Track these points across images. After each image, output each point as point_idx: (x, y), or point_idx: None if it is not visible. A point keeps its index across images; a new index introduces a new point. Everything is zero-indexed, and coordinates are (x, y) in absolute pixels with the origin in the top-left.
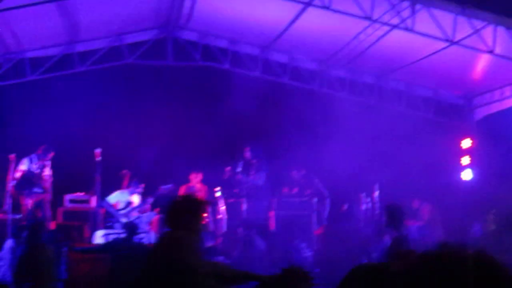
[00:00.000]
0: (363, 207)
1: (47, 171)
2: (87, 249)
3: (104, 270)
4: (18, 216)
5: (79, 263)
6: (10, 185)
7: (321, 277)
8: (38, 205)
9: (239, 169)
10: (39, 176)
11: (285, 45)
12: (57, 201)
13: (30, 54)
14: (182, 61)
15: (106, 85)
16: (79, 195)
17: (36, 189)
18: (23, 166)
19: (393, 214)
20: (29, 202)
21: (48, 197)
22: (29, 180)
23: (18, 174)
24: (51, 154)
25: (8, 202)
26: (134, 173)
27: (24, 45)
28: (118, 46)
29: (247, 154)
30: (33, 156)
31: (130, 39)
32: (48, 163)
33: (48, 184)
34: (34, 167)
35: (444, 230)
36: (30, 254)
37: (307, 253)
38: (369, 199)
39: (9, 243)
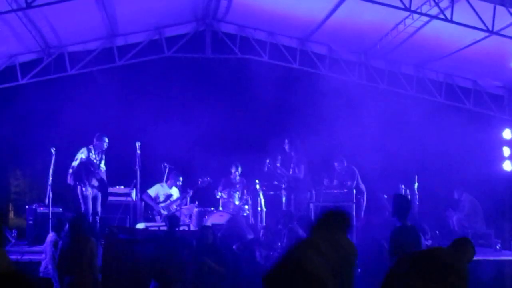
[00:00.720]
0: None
1: (103, 164)
2: (130, 239)
3: (145, 261)
4: (59, 209)
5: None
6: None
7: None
8: (94, 199)
9: (278, 162)
10: (98, 166)
11: (324, 37)
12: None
13: (70, 49)
14: (221, 53)
15: (145, 79)
16: (120, 188)
17: (94, 181)
18: (82, 154)
19: (400, 204)
20: (88, 196)
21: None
22: (88, 170)
23: (75, 163)
24: (105, 144)
25: (49, 195)
26: (174, 166)
27: (63, 40)
28: (157, 39)
29: (286, 146)
30: (91, 146)
31: (169, 32)
32: (103, 154)
33: (99, 176)
34: (93, 157)
35: (484, 221)
36: (73, 247)
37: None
38: (408, 190)
39: (50, 237)
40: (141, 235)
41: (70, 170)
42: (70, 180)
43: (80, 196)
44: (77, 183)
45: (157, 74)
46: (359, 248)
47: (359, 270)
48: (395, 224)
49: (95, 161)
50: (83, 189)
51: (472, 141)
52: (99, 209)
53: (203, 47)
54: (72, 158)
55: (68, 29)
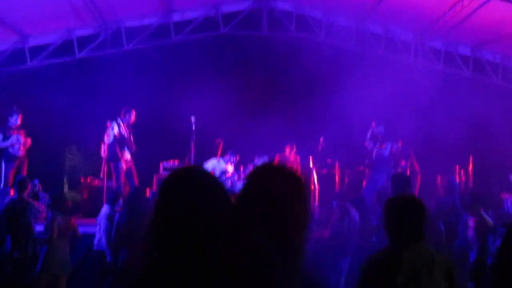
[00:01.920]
0: (457, 179)
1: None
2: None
3: None
4: (113, 183)
5: None
6: (104, 151)
7: None
8: (128, 173)
9: (368, 137)
10: (129, 139)
11: (380, 16)
12: (153, 168)
13: (127, 24)
14: (276, 32)
15: (200, 55)
16: (174, 162)
17: (127, 154)
18: (114, 130)
19: (401, 181)
20: (123, 168)
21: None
22: (121, 143)
23: (108, 139)
24: (133, 118)
25: (104, 169)
26: (229, 142)
27: (120, 15)
28: (213, 16)
29: (374, 125)
30: (118, 119)
31: (225, 9)
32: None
33: (133, 150)
34: (123, 131)
35: None
36: (130, 222)
37: None
38: (463, 172)
39: (105, 209)
40: None
41: (102, 145)
42: (105, 155)
43: (114, 171)
44: (111, 158)
45: (213, 51)
46: None
47: None
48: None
49: (125, 135)
50: (118, 162)
51: None
52: (135, 181)
53: (259, 25)
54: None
55: (125, 4)
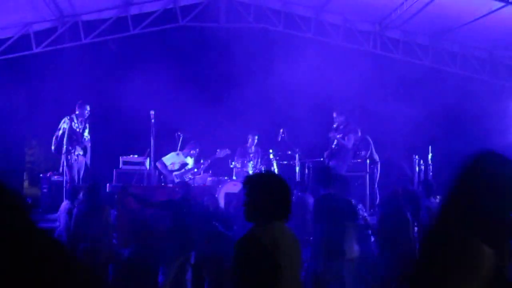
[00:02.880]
0: (416, 169)
1: (87, 132)
2: (149, 203)
3: (158, 226)
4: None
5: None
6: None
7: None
8: (80, 168)
9: (333, 127)
10: (81, 135)
11: (339, 6)
12: (112, 163)
13: (84, 18)
14: (235, 23)
15: (159, 48)
16: (134, 157)
17: (78, 149)
18: (64, 124)
19: (320, 174)
20: (74, 164)
21: (88, 160)
22: (71, 138)
23: (59, 133)
24: (86, 112)
25: (63, 164)
26: (189, 135)
27: (78, 8)
28: (171, 8)
29: (335, 114)
30: (73, 115)
31: (184, 1)
32: (87, 123)
33: (84, 145)
34: (75, 126)
35: None
36: (89, 215)
37: (365, 213)
38: (422, 161)
39: (64, 204)
40: (156, 199)
41: (54, 139)
42: (54, 149)
43: (65, 165)
44: (60, 152)
45: (172, 43)
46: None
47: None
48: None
49: (78, 130)
50: (68, 157)
51: (488, 112)
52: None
53: (217, 16)
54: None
55: None
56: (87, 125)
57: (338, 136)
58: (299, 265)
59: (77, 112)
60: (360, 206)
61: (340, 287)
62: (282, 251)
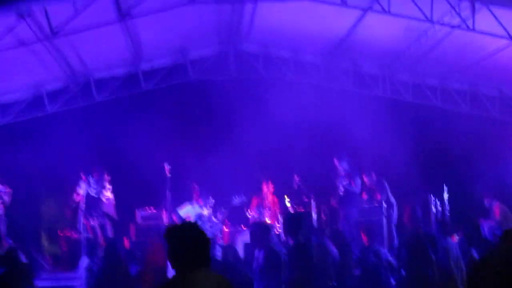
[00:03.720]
0: (433, 209)
1: (107, 195)
2: None
3: None
4: (90, 235)
5: None
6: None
7: None
8: (102, 227)
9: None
10: (98, 201)
11: (347, 52)
12: (129, 218)
13: (96, 76)
14: (245, 74)
15: (171, 102)
16: (150, 210)
17: (94, 213)
18: (81, 190)
19: (292, 222)
20: (94, 224)
21: (108, 220)
22: (89, 206)
23: (78, 198)
24: (107, 177)
25: (80, 221)
26: (203, 185)
27: (90, 67)
28: (181, 63)
29: (336, 162)
30: (90, 180)
31: (194, 55)
32: (106, 186)
33: (108, 209)
34: (92, 192)
35: None
36: (108, 271)
37: (389, 258)
38: (438, 201)
39: (84, 262)
40: None
41: (72, 204)
42: (71, 215)
43: (84, 226)
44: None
45: (183, 97)
46: None
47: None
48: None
49: (94, 195)
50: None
51: (500, 149)
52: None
53: (227, 68)
54: (103, 185)
55: (94, 56)
56: (106, 189)
57: (344, 183)
58: None
59: (94, 178)
60: (384, 250)
61: None
62: None
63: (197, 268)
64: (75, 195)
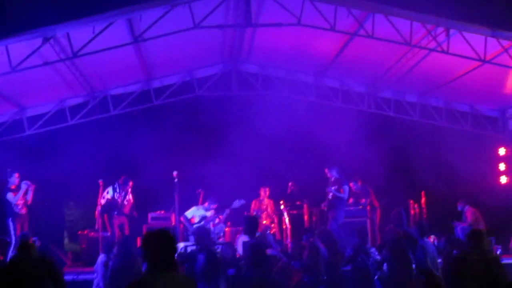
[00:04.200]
0: (412, 212)
1: (129, 198)
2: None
3: None
4: (107, 234)
5: None
6: (98, 208)
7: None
8: (121, 226)
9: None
10: (121, 204)
11: (336, 72)
12: (141, 219)
13: (112, 92)
14: (245, 91)
15: (179, 115)
16: (160, 213)
17: (117, 214)
18: (108, 194)
19: (250, 222)
20: (114, 224)
21: (127, 220)
22: (112, 207)
23: (103, 201)
24: (131, 183)
25: (98, 221)
26: (208, 191)
27: (106, 84)
28: (188, 80)
29: (327, 172)
30: (116, 185)
31: (199, 74)
32: (129, 191)
33: (127, 209)
34: (117, 196)
35: (486, 230)
36: (122, 266)
37: (377, 257)
38: (417, 205)
39: (101, 258)
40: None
41: (99, 206)
42: (98, 213)
43: (109, 225)
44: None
45: (190, 111)
46: None
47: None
48: None
49: (118, 198)
50: (110, 220)
51: (471, 159)
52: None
53: (229, 86)
54: (127, 189)
55: (110, 75)
56: (128, 192)
57: (333, 188)
58: None
59: (120, 183)
60: (373, 249)
61: None
62: None
63: (166, 269)
64: (101, 198)
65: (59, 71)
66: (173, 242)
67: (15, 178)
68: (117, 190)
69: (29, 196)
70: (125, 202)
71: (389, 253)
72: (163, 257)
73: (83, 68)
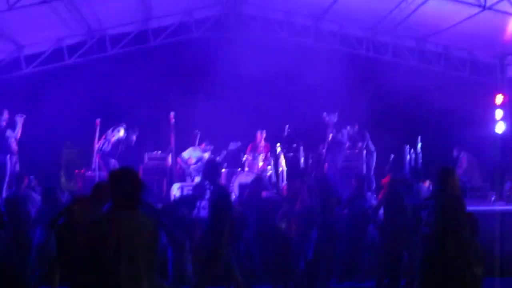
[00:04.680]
0: (407, 157)
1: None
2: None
3: None
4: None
5: None
6: (99, 147)
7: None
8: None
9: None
10: (115, 147)
11: (335, 15)
12: (139, 159)
13: (110, 32)
14: (244, 32)
15: (176, 57)
16: (157, 153)
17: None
18: (121, 133)
19: (210, 167)
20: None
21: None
22: (119, 147)
23: (114, 139)
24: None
25: (95, 161)
26: (206, 133)
27: (104, 24)
28: (186, 22)
29: (325, 116)
30: (123, 127)
31: (197, 15)
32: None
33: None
34: (113, 139)
35: (480, 176)
36: None
37: (373, 201)
38: (412, 151)
39: None
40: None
41: (106, 143)
42: (108, 151)
43: (104, 165)
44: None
45: (187, 52)
46: None
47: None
48: None
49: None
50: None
51: (469, 106)
52: None
53: (227, 27)
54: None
55: (108, 14)
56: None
57: (332, 133)
58: (146, 248)
59: (125, 127)
60: (369, 193)
61: None
62: (120, 235)
63: (128, 207)
64: (103, 139)
65: (57, 10)
66: (135, 180)
67: (6, 115)
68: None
69: (18, 133)
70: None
71: (385, 198)
72: (124, 195)
73: (81, 6)
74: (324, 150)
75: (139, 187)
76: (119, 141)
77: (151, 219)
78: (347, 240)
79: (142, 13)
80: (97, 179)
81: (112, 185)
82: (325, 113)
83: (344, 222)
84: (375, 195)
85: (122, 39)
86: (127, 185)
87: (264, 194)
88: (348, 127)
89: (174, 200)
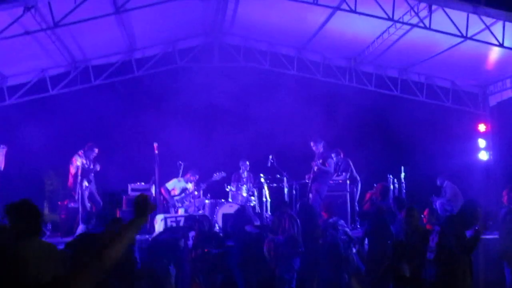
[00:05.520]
0: (391, 187)
1: (95, 166)
2: None
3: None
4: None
5: None
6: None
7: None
8: (91, 196)
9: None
10: (89, 170)
11: (318, 46)
12: (123, 191)
13: (94, 62)
14: (227, 63)
15: (160, 87)
16: (140, 184)
17: (85, 182)
18: (78, 162)
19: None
20: (85, 194)
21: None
22: (82, 174)
23: (73, 170)
24: (96, 151)
25: (78, 192)
26: (188, 163)
27: (88, 55)
28: (170, 51)
29: (313, 146)
30: (81, 152)
31: (181, 45)
32: (92, 158)
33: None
34: (85, 162)
35: None
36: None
37: (346, 228)
38: (396, 180)
39: (80, 229)
40: None
41: (70, 177)
42: (71, 184)
43: (80, 195)
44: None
45: (171, 82)
46: None
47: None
48: None
49: (87, 166)
50: (80, 189)
51: (451, 135)
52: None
53: (211, 57)
54: (98, 160)
55: (92, 45)
56: (95, 163)
57: (319, 161)
58: (51, 271)
59: (86, 150)
60: (341, 222)
61: None
62: (26, 260)
63: (32, 235)
64: (70, 166)
65: (40, 41)
66: (35, 210)
67: None
68: (84, 160)
69: (1, 162)
70: (93, 170)
71: (371, 227)
72: (27, 224)
73: (64, 38)
74: (309, 179)
75: (40, 215)
76: (83, 168)
77: (53, 246)
78: (329, 269)
79: (126, 44)
80: (80, 210)
81: (14, 216)
82: (312, 142)
83: (325, 250)
84: (360, 219)
85: (105, 70)
86: (29, 215)
87: (247, 226)
88: (333, 155)
89: (173, 229)
